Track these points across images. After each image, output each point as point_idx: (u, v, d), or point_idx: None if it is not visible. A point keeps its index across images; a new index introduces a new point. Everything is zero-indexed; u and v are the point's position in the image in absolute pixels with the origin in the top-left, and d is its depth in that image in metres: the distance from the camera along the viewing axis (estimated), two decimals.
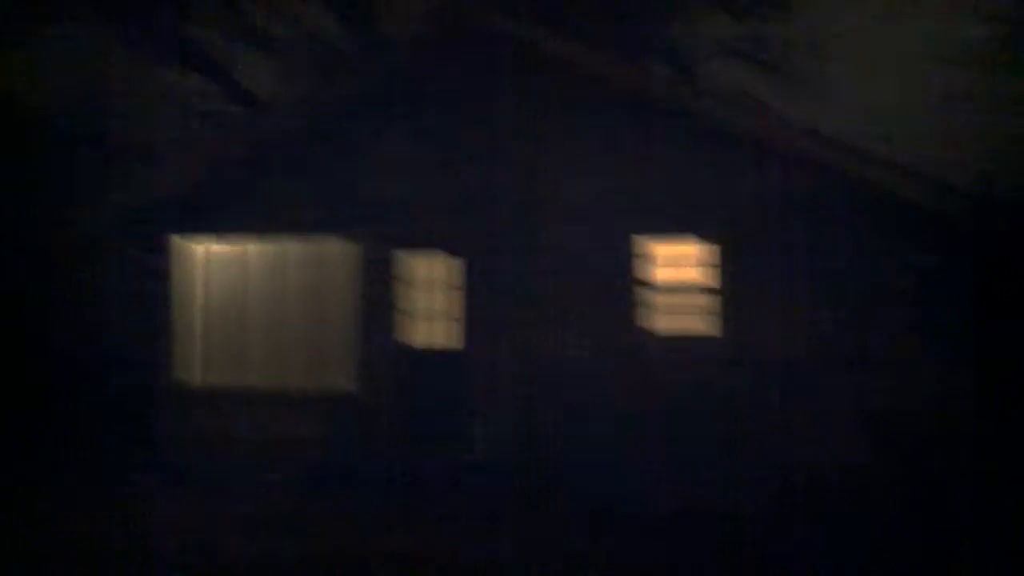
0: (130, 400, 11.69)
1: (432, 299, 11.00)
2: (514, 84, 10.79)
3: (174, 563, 7.44)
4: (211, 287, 11.67)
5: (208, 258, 11.71)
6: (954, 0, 20.14)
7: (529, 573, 7.34)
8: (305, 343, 11.28)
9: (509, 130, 10.77)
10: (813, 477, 9.42)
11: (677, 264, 10.30)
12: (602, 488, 9.71)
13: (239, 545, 7.98)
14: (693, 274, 10.25)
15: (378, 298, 10.98)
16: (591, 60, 10.59)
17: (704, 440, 9.91)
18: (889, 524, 8.67)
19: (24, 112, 14.54)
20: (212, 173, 11.47)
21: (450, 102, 10.97)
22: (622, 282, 10.34)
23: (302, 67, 24.94)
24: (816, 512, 8.91)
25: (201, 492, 10.08)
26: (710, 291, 10.15)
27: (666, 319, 10.27)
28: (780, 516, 8.81)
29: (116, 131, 15.80)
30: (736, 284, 10.06)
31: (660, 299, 10.30)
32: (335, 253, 11.28)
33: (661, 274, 10.34)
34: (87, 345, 12.99)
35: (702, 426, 9.95)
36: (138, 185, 11.84)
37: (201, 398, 11.39)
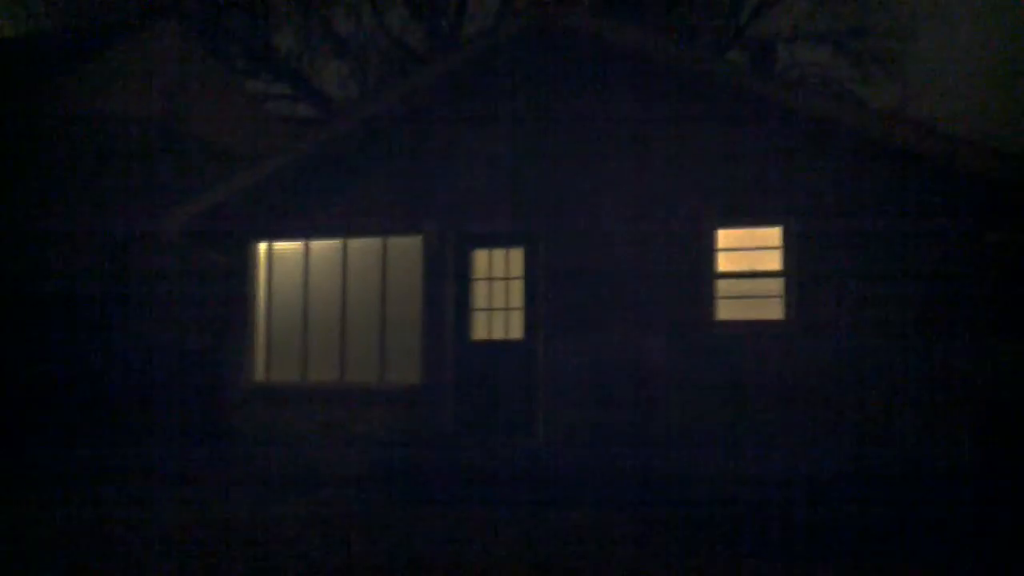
0: (200, 397, 11.90)
1: (496, 291, 10.96)
2: (587, 77, 10.71)
3: (240, 556, 7.50)
4: (278, 285, 11.82)
5: (276, 257, 11.85)
6: None
7: (594, 558, 7.23)
8: (370, 339, 11.33)
9: (580, 122, 10.68)
10: (885, 462, 9.17)
11: (752, 251, 10.07)
12: (670, 475, 9.58)
13: (306, 539, 8.03)
14: (768, 261, 10.01)
15: (442, 291, 10.99)
16: (666, 51, 10.43)
17: (774, 428, 9.68)
18: (959, 499, 8.42)
19: (103, 117, 14.92)
20: (281, 174, 11.58)
21: (519, 95, 10.92)
22: (692, 270, 10.18)
23: (377, 67, 25.23)
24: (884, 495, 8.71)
25: (269, 487, 10.20)
26: (786, 277, 9.89)
27: (738, 306, 10.05)
28: (845, 497, 8.63)
29: (191, 133, 16.11)
30: (811, 270, 9.82)
31: (732, 286, 10.09)
32: (399, 248, 11.32)
33: (735, 262, 10.12)
34: (155, 343, 13.27)
35: (772, 414, 9.72)
36: (210, 187, 11.99)
37: (268, 394, 11.54)
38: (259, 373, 11.75)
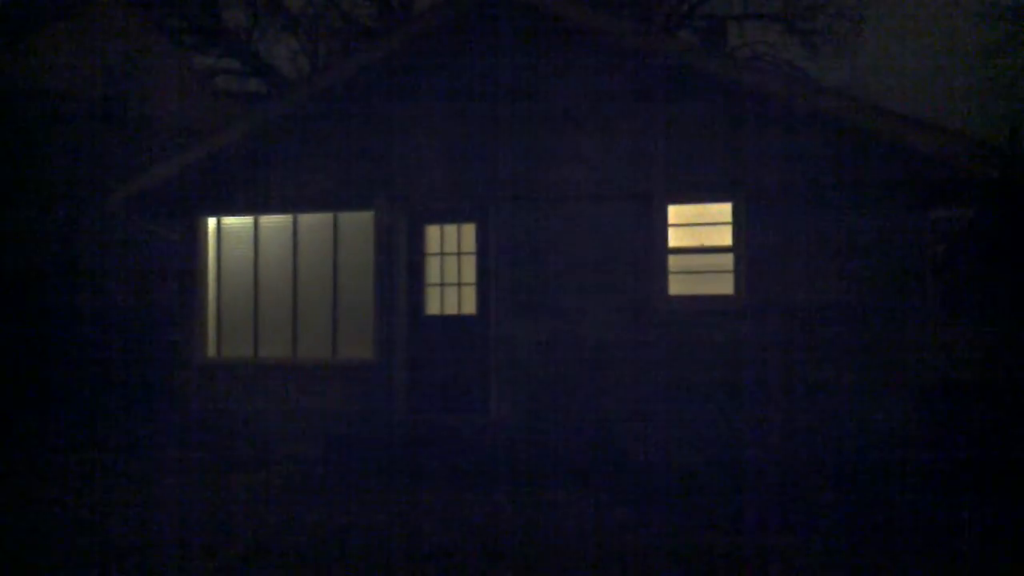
0: (151, 374, 11.79)
1: (449, 266, 10.95)
2: (537, 52, 10.67)
3: (194, 535, 7.45)
4: (229, 261, 11.71)
5: (225, 233, 11.74)
6: None
7: (543, 534, 7.28)
8: (322, 315, 11.29)
9: (530, 98, 10.66)
10: (834, 438, 9.32)
11: (701, 226, 10.14)
12: (619, 449, 9.67)
13: (259, 515, 8.00)
14: (719, 237, 10.09)
15: (394, 266, 10.95)
16: (618, 28, 10.43)
17: (723, 402, 9.78)
18: (895, 479, 8.59)
19: (49, 93, 14.63)
20: (230, 149, 11.47)
21: (471, 70, 10.87)
22: (644, 245, 10.23)
23: (328, 43, 24.98)
24: (828, 468, 8.85)
25: (220, 464, 10.15)
26: (736, 252, 9.97)
27: (690, 281, 10.12)
28: (795, 471, 8.75)
29: (138, 109, 15.87)
30: (761, 245, 9.90)
31: (684, 262, 10.15)
32: (351, 223, 11.26)
33: (687, 237, 10.18)
34: (108, 321, 13.11)
35: (724, 387, 9.82)
36: (158, 163, 11.84)
37: (219, 370, 11.46)
38: (210, 349, 11.65)
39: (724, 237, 10.08)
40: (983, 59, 18.13)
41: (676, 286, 10.16)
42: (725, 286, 10.03)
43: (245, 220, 11.67)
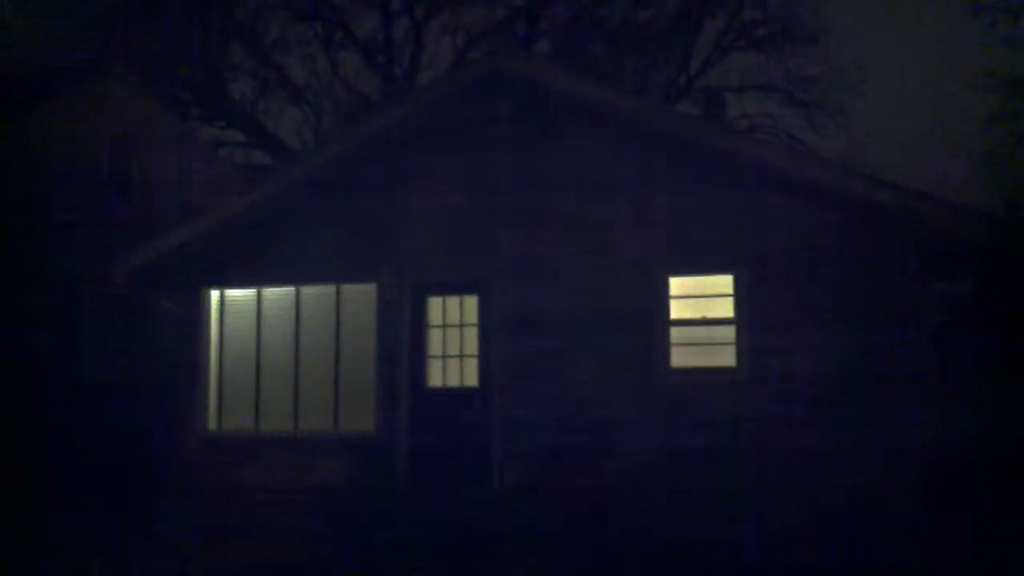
0: (151, 447, 11.71)
1: (451, 338, 10.93)
2: (538, 125, 10.78)
3: None
4: (231, 333, 11.69)
5: (228, 305, 11.73)
6: (982, 25, 19.97)
7: None
8: (324, 387, 11.23)
9: (531, 170, 10.74)
10: (835, 508, 9.24)
11: (703, 298, 10.15)
12: (622, 524, 9.57)
13: None
14: (720, 308, 10.10)
15: (396, 338, 10.94)
16: (619, 102, 10.58)
17: (726, 473, 9.71)
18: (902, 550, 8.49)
19: (51, 165, 14.77)
20: (233, 221, 11.53)
21: (473, 143, 10.97)
22: (646, 317, 10.22)
23: (332, 114, 25.28)
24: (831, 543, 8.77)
25: (220, 538, 10.03)
26: (738, 324, 9.97)
27: (692, 353, 10.10)
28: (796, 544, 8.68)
29: (142, 181, 16.00)
30: (762, 317, 9.90)
31: (686, 333, 10.14)
32: (353, 296, 11.27)
33: (688, 309, 10.19)
34: (109, 393, 13.06)
35: (724, 460, 9.75)
36: (161, 236, 11.88)
37: (220, 443, 11.38)
38: (212, 422, 11.57)
39: (726, 308, 10.09)
40: (980, 129, 18.32)
41: (678, 358, 10.13)
42: (727, 358, 10.01)
43: (248, 292, 11.68)
